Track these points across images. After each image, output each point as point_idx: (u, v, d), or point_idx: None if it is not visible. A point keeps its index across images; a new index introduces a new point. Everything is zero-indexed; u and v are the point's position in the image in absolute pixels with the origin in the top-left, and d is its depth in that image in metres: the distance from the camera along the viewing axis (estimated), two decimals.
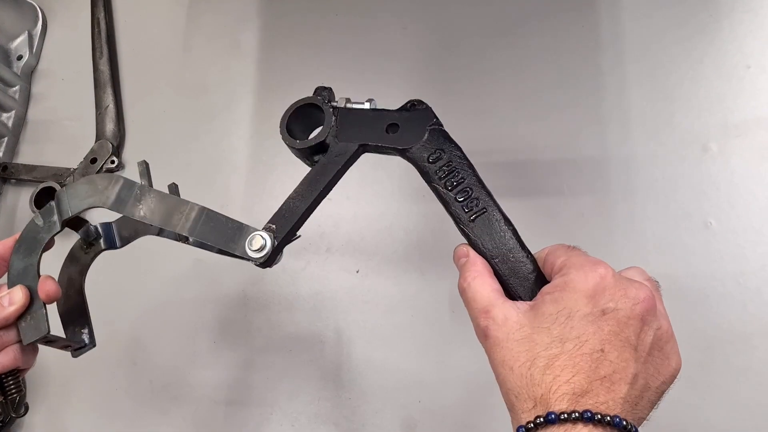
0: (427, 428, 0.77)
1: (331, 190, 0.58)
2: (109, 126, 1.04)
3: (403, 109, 0.59)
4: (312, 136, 0.59)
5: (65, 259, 0.65)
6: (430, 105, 0.60)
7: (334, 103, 0.60)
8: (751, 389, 0.70)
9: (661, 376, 0.43)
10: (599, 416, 0.38)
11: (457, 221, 0.53)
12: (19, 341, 0.56)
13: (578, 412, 0.38)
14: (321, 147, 0.58)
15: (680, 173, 0.82)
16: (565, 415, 0.38)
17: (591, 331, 0.41)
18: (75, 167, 1.02)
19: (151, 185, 0.60)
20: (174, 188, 0.62)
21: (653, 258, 0.78)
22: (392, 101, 0.95)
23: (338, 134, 0.58)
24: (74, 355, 0.63)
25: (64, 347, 0.61)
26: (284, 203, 0.57)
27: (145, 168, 0.61)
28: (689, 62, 0.89)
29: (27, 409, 0.59)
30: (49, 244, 0.59)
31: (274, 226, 0.57)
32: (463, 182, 0.53)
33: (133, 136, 1.05)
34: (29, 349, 0.57)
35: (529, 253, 0.50)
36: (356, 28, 1.03)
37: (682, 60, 0.89)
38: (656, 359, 0.43)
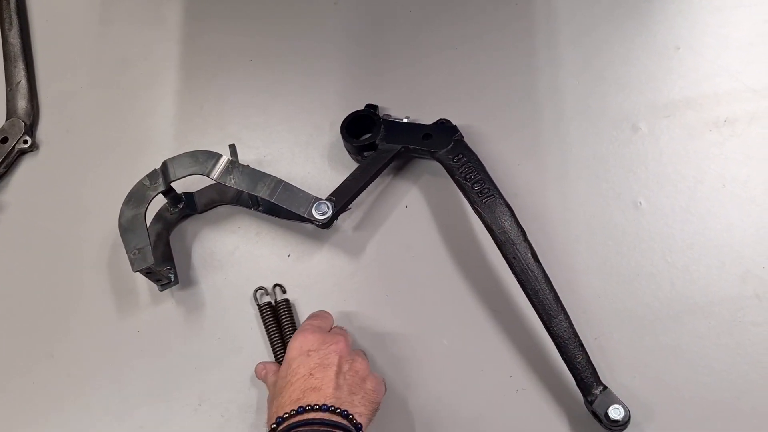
0: None
1: (376, 178, 0.81)
2: (21, 103, 0.98)
3: (434, 124, 0.83)
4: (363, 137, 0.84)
5: (153, 219, 0.83)
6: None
7: (380, 115, 0.85)
8: (680, 367, 0.71)
9: (362, 389, 0.65)
10: (309, 407, 0.60)
11: (472, 202, 0.75)
12: None
13: (294, 409, 0.60)
14: (371, 146, 0.83)
15: (611, 152, 0.83)
16: (287, 414, 0.61)
17: (301, 366, 0.66)
18: None
19: (238, 161, 0.80)
20: (233, 149, 0.81)
21: (584, 237, 0.79)
22: (326, 78, 0.93)
23: (385, 138, 0.82)
24: (161, 289, 0.81)
25: (157, 280, 0.80)
26: (342, 182, 0.79)
27: (233, 149, 0.81)
28: (620, 42, 0.89)
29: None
30: (150, 201, 0.78)
31: (334, 198, 0.78)
32: (477, 177, 0.76)
33: (47, 114, 0.99)
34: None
35: (523, 229, 0.72)
36: (285, 3, 1.00)
37: (613, 39, 0.90)
38: (353, 377, 0.66)
